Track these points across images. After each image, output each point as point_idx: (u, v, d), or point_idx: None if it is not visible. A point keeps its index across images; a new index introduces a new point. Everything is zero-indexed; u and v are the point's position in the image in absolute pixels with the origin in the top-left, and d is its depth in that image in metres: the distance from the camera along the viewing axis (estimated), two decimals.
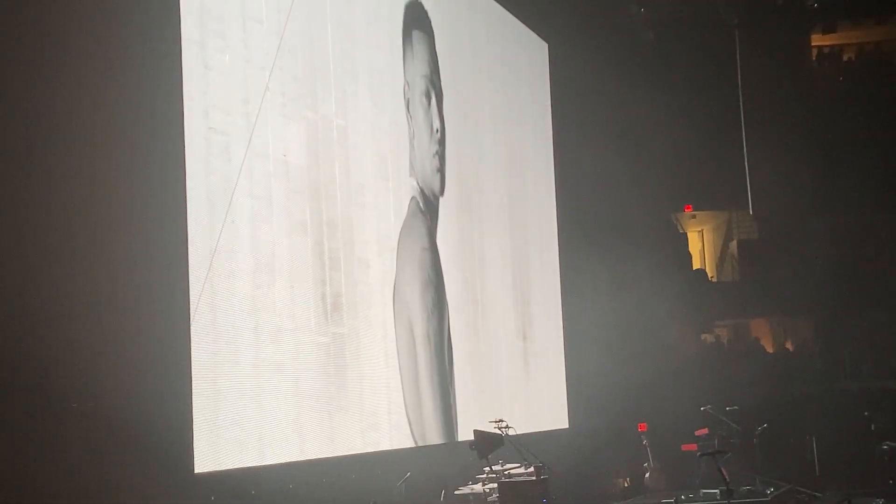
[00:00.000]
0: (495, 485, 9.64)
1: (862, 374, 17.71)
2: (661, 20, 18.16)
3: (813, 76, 21.88)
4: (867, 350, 17.92)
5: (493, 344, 13.25)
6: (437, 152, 12.11)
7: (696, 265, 21.90)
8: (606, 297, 15.96)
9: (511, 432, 10.10)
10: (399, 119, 11.40)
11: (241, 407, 8.34)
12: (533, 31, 15.45)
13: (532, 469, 9.73)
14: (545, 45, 15.89)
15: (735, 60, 20.62)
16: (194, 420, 7.81)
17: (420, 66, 11.91)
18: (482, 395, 12.64)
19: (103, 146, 7.47)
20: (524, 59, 15.25)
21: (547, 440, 12.80)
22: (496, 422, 10.15)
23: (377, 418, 10.35)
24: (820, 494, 14.37)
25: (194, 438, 7.80)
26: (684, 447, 14.65)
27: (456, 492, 10.05)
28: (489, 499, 9.66)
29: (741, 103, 20.70)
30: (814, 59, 22.43)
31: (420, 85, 11.85)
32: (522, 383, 14.08)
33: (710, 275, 21.90)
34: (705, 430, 14.60)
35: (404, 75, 11.55)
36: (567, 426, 15.26)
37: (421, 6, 12.03)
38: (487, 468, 9.84)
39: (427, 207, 11.77)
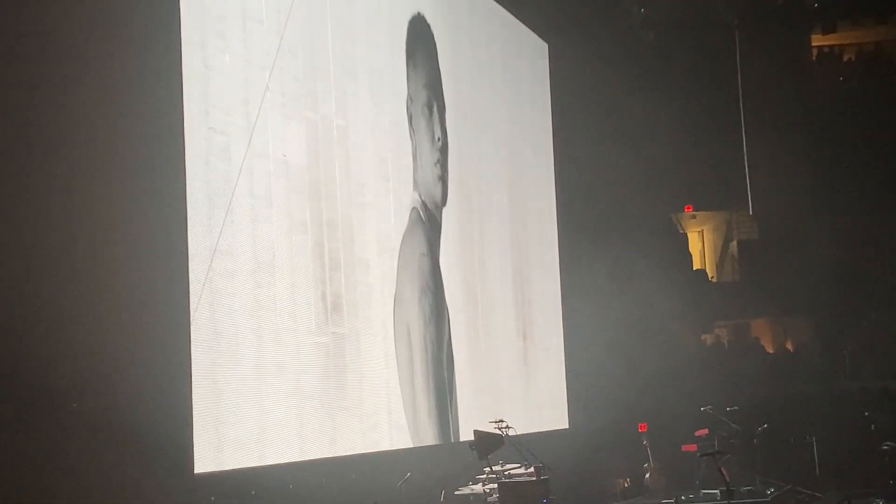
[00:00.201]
0: (495, 485, 9.63)
1: (862, 374, 17.69)
2: (661, 20, 18.14)
3: (813, 76, 21.88)
4: (867, 350, 17.90)
5: (493, 344, 13.25)
6: (438, 161, 12.10)
7: (697, 265, 21.90)
8: (606, 297, 15.95)
9: (511, 432, 10.10)
10: (399, 119, 11.39)
11: (241, 407, 8.33)
12: (533, 31, 15.45)
13: (532, 469, 9.73)
14: (545, 46, 15.89)
15: (735, 60, 20.62)
16: (194, 420, 7.81)
17: (423, 78, 11.92)
18: (482, 396, 12.63)
19: (104, 146, 7.47)
20: (524, 60, 15.24)
21: (547, 440, 12.80)
22: (496, 422, 10.14)
23: (377, 418, 10.34)
24: (820, 494, 14.37)
25: (194, 438, 7.80)
26: (684, 447, 14.64)
27: (456, 492, 10.05)
28: (489, 499, 9.65)
29: (741, 103, 20.71)
30: (814, 59, 22.42)
31: (422, 96, 11.85)
32: (522, 383, 14.08)
33: (710, 275, 21.90)
34: (705, 431, 14.59)
35: (407, 89, 11.55)
36: (567, 426, 15.27)
37: (423, 20, 12.01)
38: (488, 468, 9.84)
39: (428, 218, 11.75)
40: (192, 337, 7.88)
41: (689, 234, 21.96)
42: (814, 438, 15.47)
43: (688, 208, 21.52)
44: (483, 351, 12.90)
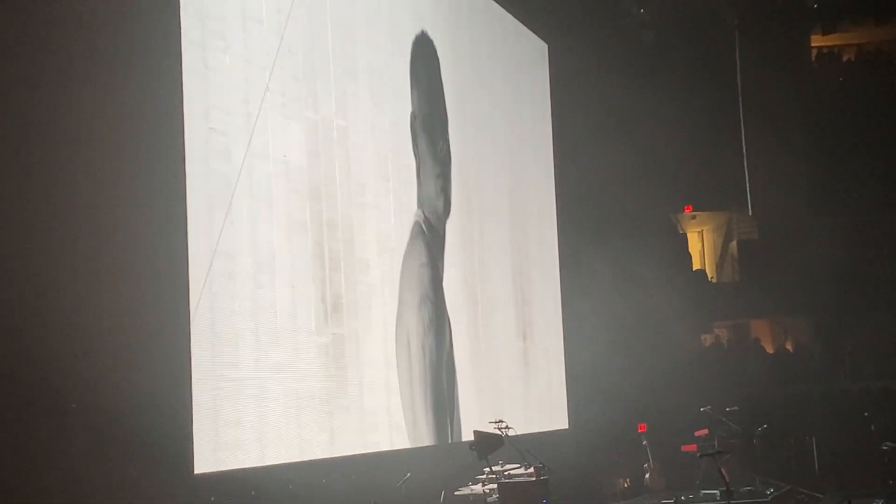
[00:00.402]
0: (495, 485, 9.63)
1: (862, 374, 17.70)
2: (661, 20, 18.13)
3: (813, 76, 21.85)
4: (867, 350, 17.90)
5: (493, 344, 13.25)
6: (441, 174, 12.09)
7: (697, 266, 21.89)
8: (606, 297, 15.95)
9: (511, 433, 10.10)
10: (399, 119, 11.39)
11: (241, 407, 8.33)
12: (533, 31, 15.45)
13: (532, 469, 9.73)
14: (545, 46, 15.89)
15: (735, 60, 20.60)
16: (194, 420, 7.81)
17: (425, 94, 11.92)
18: (482, 396, 12.63)
19: (104, 146, 7.47)
20: (524, 60, 15.24)
21: (547, 440, 12.80)
22: (496, 422, 10.14)
23: (377, 419, 10.34)
24: (820, 495, 14.38)
25: (194, 439, 7.80)
26: (684, 447, 14.65)
27: (456, 492, 10.05)
28: (489, 499, 9.65)
29: (741, 103, 20.69)
30: (814, 59, 22.41)
31: (425, 112, 11.85)
32: (522, 384, 14.07)
33: (709, 275, 21.89)
34: (705, 431, 14.59)
35: (411, 105, 11.55)
36: (567, 426, 15.27)
37: (427, 38, 12.00)
38: (487, 469, 9.83)
39: (430, 230, 11.74)
40: (192, 337, 7.88)
41: (688, 235, 21.95)
42: (814, 438, 15.49)
43: (687, 208, 21.50)
44: (483, 351, 12.90)
